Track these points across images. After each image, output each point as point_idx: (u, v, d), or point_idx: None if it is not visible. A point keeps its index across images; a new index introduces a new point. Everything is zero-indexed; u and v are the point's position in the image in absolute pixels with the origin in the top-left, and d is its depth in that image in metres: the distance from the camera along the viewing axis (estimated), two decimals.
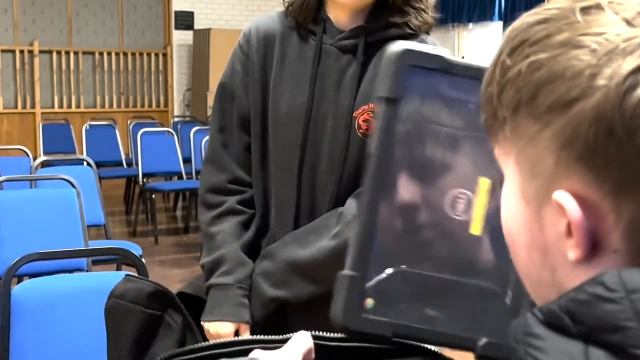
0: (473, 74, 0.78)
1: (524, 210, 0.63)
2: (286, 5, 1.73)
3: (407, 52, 0.78)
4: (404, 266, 0.80)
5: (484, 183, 0.79)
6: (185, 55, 11.40)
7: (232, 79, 1.76)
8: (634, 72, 0.56)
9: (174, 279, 5.37)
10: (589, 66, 0.57)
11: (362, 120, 1.66)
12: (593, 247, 0.59)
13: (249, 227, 1.75)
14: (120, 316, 1.67)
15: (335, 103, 1.67)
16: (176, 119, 10.39)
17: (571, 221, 0.58)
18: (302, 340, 0.79)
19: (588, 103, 0.57)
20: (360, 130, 1.66)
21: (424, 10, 1.68)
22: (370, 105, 1.65)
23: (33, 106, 10.35)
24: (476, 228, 0.81)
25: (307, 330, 0.88)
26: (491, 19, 10.05)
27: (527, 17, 0.63)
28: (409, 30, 1.67)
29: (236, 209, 1.74)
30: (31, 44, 10.36)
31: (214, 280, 1.71)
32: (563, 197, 0.59)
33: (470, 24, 10.50)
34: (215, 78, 10.07)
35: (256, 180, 1.76)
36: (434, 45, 1.69)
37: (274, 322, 1.71)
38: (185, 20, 11.31)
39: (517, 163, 0.63)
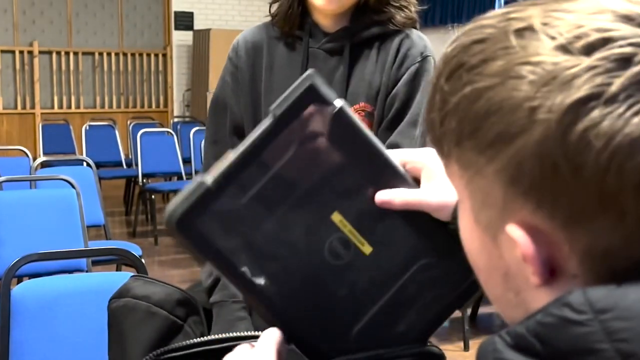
0: (244, 161, 0.77)
1: (480, 236, 0.63)
2: (271, 16, 1.74)
3: (180, 220, 0.75)
4: (352, 332, 0.82)
5: (337, 217, 0.81)
6: (185, 56, 11.39)
7: (223, 91, 1.77)
8: (574, 105, 0.54)
9: (174, 279, 5.37)
10: (528, 99, 0.55)
11: None
12: (552, 272, 0.58)
13: None
14: (140, 318, 1.66)
15: None
16: (176, 120, 10.39)
17: (524, 253, 0.58)
18: (272, 335, 0.80)
19: (530, 139, 0.55)
20: None
21: (405, 7, 1.68)
22: (360, 104, 1.66)
23: (33, 107, 10.35)
24: (366, 249, 0.83)
25: None
26: None
27: (462, 36, 0.61)
28: (393, 27, 1.67)
29: None
30: (31, 45, 10.36)
31: (212, 299, 1.72)
32: (514, 231, 0.58)
33: None
34: (215, 78, 10.08)
35: None
36: (419, 38, 1.69)
37: None
38: (184, 20, 11.31)
39: (468, 191, 0.62)
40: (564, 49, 0.55)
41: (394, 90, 1.65)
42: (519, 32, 0.57)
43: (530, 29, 0.57)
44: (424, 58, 1.67)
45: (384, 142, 1.64)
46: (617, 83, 0.53)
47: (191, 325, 1.69)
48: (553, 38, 0.56)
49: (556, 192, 0.55)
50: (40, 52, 10.39)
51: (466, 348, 4.16)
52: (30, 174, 4.76)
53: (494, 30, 0.58)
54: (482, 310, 4.81)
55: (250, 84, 1.73)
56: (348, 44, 1.67)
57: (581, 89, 0.54)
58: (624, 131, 0.53)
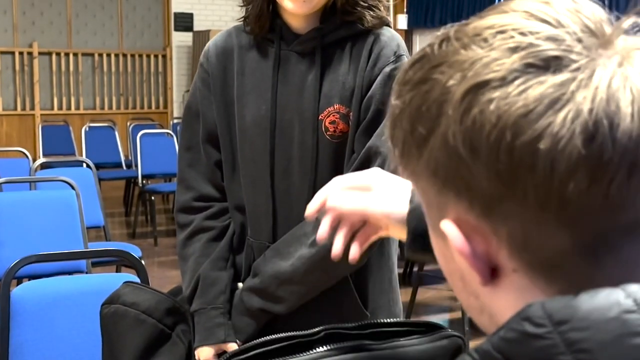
0: None
1: (436, 239, 0.65)
2: (242, 19, 1.73)
3: None
4: None
5: None
6: (185, 57, 11.40)
7: (195, 98, 1.76)
8: (467, 93, 0.57)
9: (174, 280, 5.36)
10: (437, 96, 0.59)
11: (329, 123, 1.65)
12: (494, 270, 0.60)
13: (221, 238, 1.74)
14: (128, 325, 1.66)
15: (299, 108, 1.66)
16: (175, 121, 10.38)
17: (457, 249, 0.59)
18: None
19: (439, 132, 0.59)
20: (327, 133, 1.65)
21: (374, 7, 1.66)
22: (335, 107, 1.65)
23: (32, 108, 10.35)
24: None
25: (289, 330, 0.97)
26: None
27: (413, 56, 0.65)
28: (363, 27, 1.66)
29: (204, 226, 1.74)
30: (30, 46, 10.36)
31: (192, 307, 1.71)
32: (446, 226, 0.60)
33: None
34: None
35: (229, 192, 1.75)
36: (392, 38, 1.68)
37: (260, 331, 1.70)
38: (184, 21, 11.31)
39: (419, 194, 0.65)
40: (466, 46, 0.59)
41: (369, 92, 1.64)
42: (440, 44, 0.62)
43: (447, 38, 0.62)
44: (398, 57, 1.65)
45: (363, 146, 1.64)
46: (505, 67, 0.57)
47: (179, 335, 1.69)
48: (459, 40, 0.60)
49: (465, 179, 0.58)
50: (40, 53, 10.39)
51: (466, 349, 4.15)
52: (30, 176, 4.76)
53: (429, 48, 0.63)
54: None
55: (222, 89, 1.72)
56: (319, 45, 1.66)
57: (472, 78, 0.57)
58: (510, 110, 0.56)
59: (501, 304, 0.60)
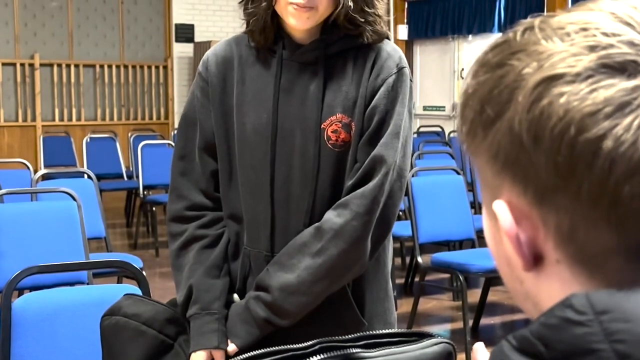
0: None
1: (488, 220, 0.66)
2: (247, 32, 1.74)
3: None
4: None
5: None
6: (186, 68, 11.42)
7: (193, 107, 1.76)
8: (540, 83, 0.59)
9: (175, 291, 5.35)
10: (510, 82, 0.60)
11: (331, 132, 1.66)
12: (537, 258, 0.61)
13: (215, 245, 1.74)
14: (129, 336, 1.66)
15: (301, 116, 1.67)
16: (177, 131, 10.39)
17: (505, 230, 0.61)
18: None
19: (506, 117, 0.60)
20: (330, 142, 1.66)
21: (374, 22, 1.67)
22: (337, 116, 1.66)
23: (34, 119, 10.36)
24: None
25: (290, 340, 0.97)
26: (491, 30, 10.07)
27: (495, 40, 0.66)
28: (364, 41, 1.67)
29: (196, 235, 1.74)
30: (32, 57, 10.38)
31: (187, 313, 1.71)
32: (499, 206, 0.62)
33: (470, 36, 10.51)
34: None
35: (225, 201, 1.75)
36: (394, 50, 1.70)
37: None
38: (185, 32, 11.33)
39: (477, 171, 0.67)
40: (547, 37, 0.61)
41: (373, 103, 1.65)
42: (523, 32, 0.63)
43: (530, 28, 0.63)
44: (400, 70, 1.68)
45: (367, 155, 1.64)
46: (581, 64, 0.58)
47: (182, 345, 1.69)
48: (542, 30, 0.62)
49: (523, 166, 0.59)
50: (42, 65, 10.41)
51: (468, 359, 4.15)
52: (31, 187, 4.75)
53: (512, 34, 0.64)
54: (484, 321, 4.80)
55: (221, 98, 1.73)
56: (322, 55, 1.68)
57: (548, 69, 0.59)
58: (579, 107, 0.57)
59: (544, 292, 0.61)
